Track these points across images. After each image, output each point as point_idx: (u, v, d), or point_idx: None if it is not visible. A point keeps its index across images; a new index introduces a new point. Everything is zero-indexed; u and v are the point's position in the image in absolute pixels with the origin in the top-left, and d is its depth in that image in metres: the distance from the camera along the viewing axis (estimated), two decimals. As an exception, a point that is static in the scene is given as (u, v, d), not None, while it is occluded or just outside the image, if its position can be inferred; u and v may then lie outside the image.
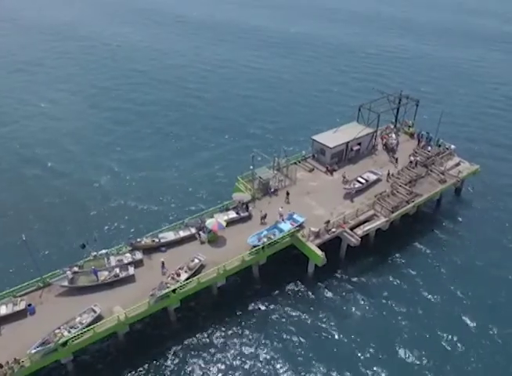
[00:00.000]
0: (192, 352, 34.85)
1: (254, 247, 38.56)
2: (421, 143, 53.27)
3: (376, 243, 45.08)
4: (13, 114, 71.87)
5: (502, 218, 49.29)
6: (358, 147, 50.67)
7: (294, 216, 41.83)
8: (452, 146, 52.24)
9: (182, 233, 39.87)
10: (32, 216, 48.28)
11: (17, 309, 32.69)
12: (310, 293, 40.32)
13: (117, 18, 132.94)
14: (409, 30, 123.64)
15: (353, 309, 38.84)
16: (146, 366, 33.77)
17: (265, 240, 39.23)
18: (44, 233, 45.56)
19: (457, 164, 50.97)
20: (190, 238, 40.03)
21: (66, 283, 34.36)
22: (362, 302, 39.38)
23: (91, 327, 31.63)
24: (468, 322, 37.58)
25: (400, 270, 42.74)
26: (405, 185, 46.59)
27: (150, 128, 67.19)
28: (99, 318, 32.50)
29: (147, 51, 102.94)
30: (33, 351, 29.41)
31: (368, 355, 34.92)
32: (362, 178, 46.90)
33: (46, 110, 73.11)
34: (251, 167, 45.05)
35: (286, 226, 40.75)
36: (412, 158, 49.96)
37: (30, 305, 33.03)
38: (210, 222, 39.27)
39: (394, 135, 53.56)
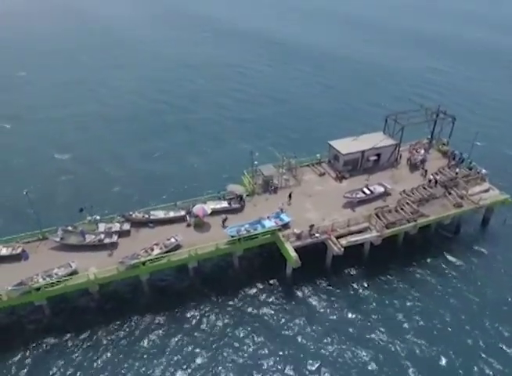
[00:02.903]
0: (157, 320, 37.92)
1: (232, 237, 40.38)
2: (451, 163, 49.78)
3: (368, 258, 43.81)
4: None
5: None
6: (375, 158, 49.16)
7: (281, 215, 42.52)
8: (484, 171, 48.02)
9: (172, 214, 42.95)
10: (53, 178, 56.07)
11: (14, 252, 38.61)
12: (282, 293, 40.90)
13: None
14: (452, 51, 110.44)
15: (319, 317, 38.46)
16: (115, 321, 37.62)
17: (245, 232, 40.71)
18: (54, 195, 52.67)
19: (486, 191, 46.85)
20: (179, 220, 42.90)
21: (57, 240, 39.57)
22: (330, 313, 38.82)
23: (65, 279, 36.35)
24: (443, 363, 35.44)
25: (383, 292, 40.96)
26: (414, 203, 44.39)
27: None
28: (74, 273, 37.05)
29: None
30: (9, 288, 34.81)
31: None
32: (368, 189, 45.60)
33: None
34: (255, 162, 46.67)
35: (270, 224, 41.59)
36: (431, 176, 47.16)
37: (24, 251, 38.77)
38: (196, 208, 41.82)
39: (422, 151, 50.80)
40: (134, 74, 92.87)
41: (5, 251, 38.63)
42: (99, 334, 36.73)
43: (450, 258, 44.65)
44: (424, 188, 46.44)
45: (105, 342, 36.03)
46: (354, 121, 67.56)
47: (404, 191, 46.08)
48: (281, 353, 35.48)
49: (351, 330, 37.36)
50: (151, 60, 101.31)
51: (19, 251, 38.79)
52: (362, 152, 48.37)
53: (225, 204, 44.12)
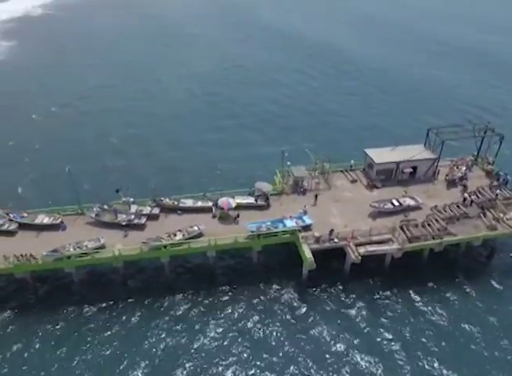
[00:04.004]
0: (173, 301, 40.22)
1: (252, 232, 41.64)
2: (493, 183, 47.52)
3: (389, 270, 43.16)
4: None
5: None
6: (410, 170, 48.16)
7: (304, 217, 43.16)
8: (528, 196, 45.40)
9: (200, 204, 45.05)
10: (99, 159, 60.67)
11: (54, 222, 42.63)
12: (295, 293, 41.47)
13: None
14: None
15: (327, 324, 38.52)
16: (135, 297, 40.40)
17: (265, 229, 41.83)
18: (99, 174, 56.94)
19: (526, 217, 44.37)
20: (205, 210, 44.91)
21: (93, 216, 43.06)
22: (339, 321, 38.76)
23: (93, 252, 39.67)
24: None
25: (397, 307, 40.06)
26: (443, 220, 43.09)
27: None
28: (101, 247, 40.32)
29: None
30: (44, 253, 38.66)
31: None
32: (397, 201, 44.91)
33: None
34: (288, 163, 47.55)
35: (291, 223, 42.41)
36: (466, 195, 45.45)
37: (63, 222, 42.70)
38: (221, 200, 43.57)
39: (463, 168, 48.96)
40: (185, 71, 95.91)
41: (46, 220, 42.75)
42: (118, 307, 39.57)
43: (478, 282, 42.54)
44: (458, 206, 44.88)
45: (120, 315, 38.80)
46: (396, 132, 65.78)
47: (435, 207, 44.88)
48: (281, 354, 36.18)
49: (356, 341, 37.03)
50: (206, 58, 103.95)
51: (58, 221, 42.78)
52: (397, 163, 47.62)
53: (251, 200, 45.46)
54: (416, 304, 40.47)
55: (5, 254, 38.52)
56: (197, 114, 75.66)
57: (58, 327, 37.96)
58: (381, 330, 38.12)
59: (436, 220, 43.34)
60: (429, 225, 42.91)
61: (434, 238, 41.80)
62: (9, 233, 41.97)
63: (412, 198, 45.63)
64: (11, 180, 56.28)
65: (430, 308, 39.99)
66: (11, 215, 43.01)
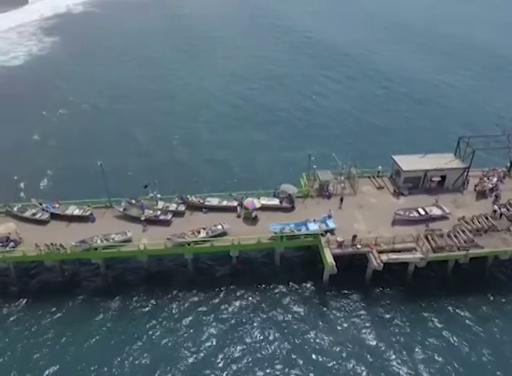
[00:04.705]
0: (194, 298, 41.04)
1: (275, 233, 41.91)
2: (526, 197, 46.24)
3: (412, 280, 42.52)
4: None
5: None
6: (439, 179, 47.38)
7: (328, 221, 43.13)
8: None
9: (225, 203, 45.65)
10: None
11: (84, 214, 44.11)
12: (314, 297, 41.59)
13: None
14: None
15: (343, 330, 38.37)
16: (157, 291, 41.44)
17: (288, 231, 42.03)
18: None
19: (559, 233, 42.99)
20: (230, 209, 45.45)
21: (121, 209, 44.28)
22: (356, 329, 38.50)
23: (119, 244, 40.85)
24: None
25: (417, 318, 39.34)
26: (470, 232, 42.24)
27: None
28: (128, 241, 41.44)
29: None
30: (73, 243, 40.06)
31: None
32: (424, 209, 44.31)
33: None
34: (314, 166, 47.64)
35: (314, 227, 42.48)
36: (496, 207, 44.38)
37: (92, 214, 44.10)
38: (246, 201, 44.05)
39: (494, 180, 47.81)
40: (214, 72, 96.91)
41: (77, 212, 44.26)
42: (140, 299, 40.67)
43: (504, 298, 41.24)
44: (486, 218, 43.94)
45: (141, 308, 39.90)
46: (426, 140, 64.99)
47: (463, 217, 44.04)
48: (295, 355, 36.39)
49: (372, 348, 36.83)
50: (233, 61, 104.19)
51: (88, 213, 44.21)
52: (426, 171, 46.98)
53: (276, 202, 45.78)
54: (436, 317, 39.64)
55: (36, 243, 40.21)
56: (225, 116, 76.51)
57: (75, 313, 39.45)
58: (397, 340, 37.60)
59: (463, 231, 42.49)
60: (455, 236, 42.11)
61: (459, 249, 41.02)
62: (42, 222, 43.73)
63: (440, 208, 44.87)
64: (42, 172, 58.76)
65: (449, 323, 39.02)
66: (44, 205, 44.85)
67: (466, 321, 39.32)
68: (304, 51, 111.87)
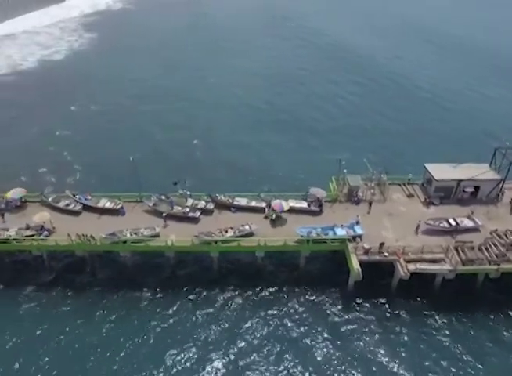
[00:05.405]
0: (218, 296, 41.34)
1: (302, 237, 41.85)
2: None
3: (439, 291, 41.64)
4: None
5: None
6: (472, 190, 46.31)
7: (355, 226, 42.76)
8: None
9: (254, 203, 45.90)
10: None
11: (115, 207, 45.16)
12: (339, 303, 41.21)
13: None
14: None
15: (362, 337, 38.04)
16: (183, 287, 41.92)
17: (315, 235, 41.91)
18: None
19: None
20: (259, 210, 45.66)
21: (150, 205, 45.12)
22: (380, 339, 37.90)
23: (148, 239, 41.60)
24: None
25: (443, 333, 38.36)
26: (503, 246, 41.10)
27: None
28: (156, 236, 42.18)
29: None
30: (103, 236, 41.04)
31: None
32: (455, 220, 43.34)
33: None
34: (345, 171, 47.31)
35: (341, 232, 42.23)
36: (531, 222, 43.02)
37: (122, 208, 45.11)
38: (274, 202, 44.11)
39: (530, 193, 46.33)
40: (242, 75, 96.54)
41: (108, 205, 45.38)
42: (166, 294, 41.28)
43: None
44: (521, 233, 42.77)
45: (165, 303, 40.52)
46: (459, 149, 62.34)
47: (495, 230, 42.91)
48: (315, 360, 36.26)
49: (393, 357, 36.22)
50: (259, 65, 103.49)
51: (119, 207, 45.29)
52: (458, 181, 46.03)
53: (304, 205, 45.71)
54: (462, 331, 38.67)
55: (68, 233, 41.41)
56: (259, 119, 76.27)
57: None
58: (419, 351, 36.96)
59: (495, 245, 41.44)
60: (486, 249, 41.13)
61: (490, 263, 40.09)
62: (74, 213, 45.12)
63: (472, 219, 43.86)
64: (70, 166, 60.60)
65: (477, 340, 37.97)
66: (77, 197, 46.15)
67: (502, 337, 38.13)
68: (330, 55, 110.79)
